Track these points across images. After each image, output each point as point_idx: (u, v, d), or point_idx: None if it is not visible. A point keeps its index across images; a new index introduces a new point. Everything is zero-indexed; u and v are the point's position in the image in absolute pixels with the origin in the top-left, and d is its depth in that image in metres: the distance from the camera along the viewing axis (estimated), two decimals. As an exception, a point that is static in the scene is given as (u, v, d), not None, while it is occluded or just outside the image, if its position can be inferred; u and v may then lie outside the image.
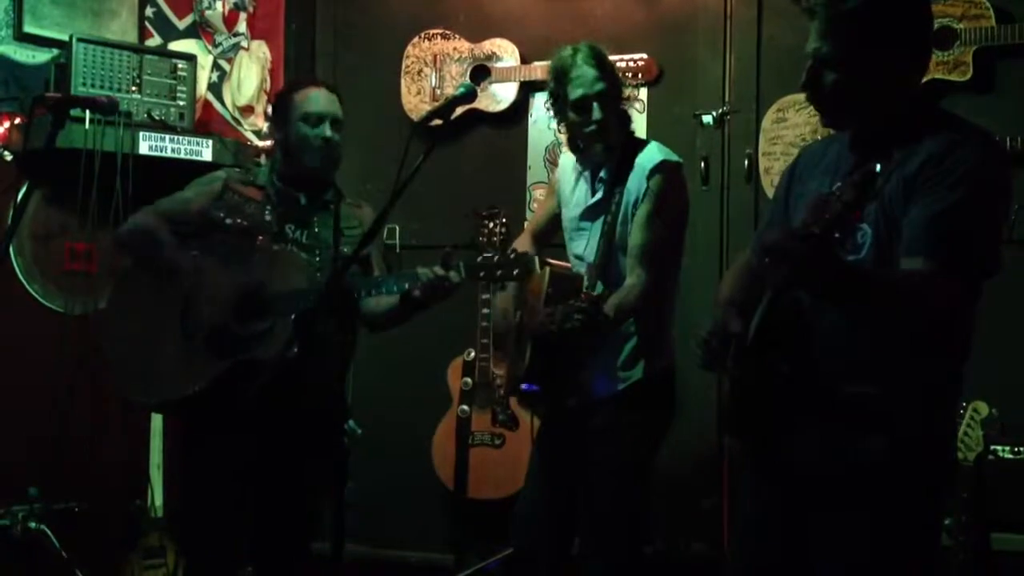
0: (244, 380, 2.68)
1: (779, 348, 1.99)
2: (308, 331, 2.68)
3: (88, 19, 4.03)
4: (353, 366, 3.14)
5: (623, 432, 2.92)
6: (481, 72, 4.33)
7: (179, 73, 3.90)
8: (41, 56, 3.90)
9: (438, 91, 4.38)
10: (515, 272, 2.71)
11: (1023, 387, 3.43)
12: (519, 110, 4.34)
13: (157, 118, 3.78)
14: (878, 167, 1.75)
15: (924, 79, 2.14)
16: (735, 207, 4.04)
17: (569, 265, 3.11)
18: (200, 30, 4.40)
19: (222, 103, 4.43)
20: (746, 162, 4.03)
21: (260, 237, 2.90)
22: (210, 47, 4.42)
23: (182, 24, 4.35)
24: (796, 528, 2.07)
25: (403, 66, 4.44)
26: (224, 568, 2.97)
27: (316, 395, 2.75)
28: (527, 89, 4.31)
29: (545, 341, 2.87)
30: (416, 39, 4.45)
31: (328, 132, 2.92)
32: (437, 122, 2.89)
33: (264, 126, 4.40)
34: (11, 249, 3.68)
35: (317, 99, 2.94)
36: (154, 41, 4.23)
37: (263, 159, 4.09)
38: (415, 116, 4.39)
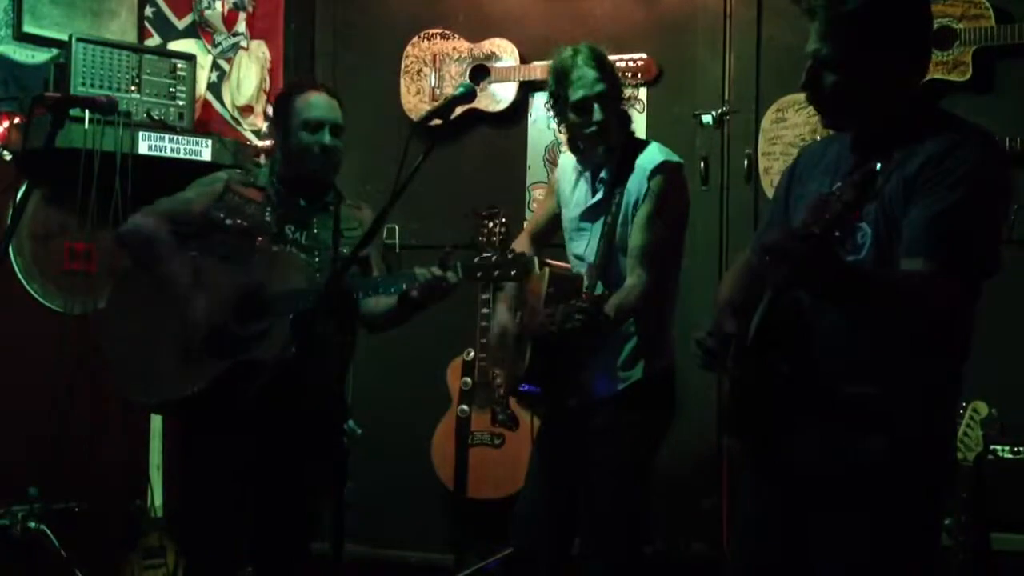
0: (244, 380, 2.68)
1: (779, 348, 1.98)
2: (307, 332, 2.68)
3: (87, 19, 4.02)
4: (353, 366, 3.15)
5: (623, 432, 2.92)
6: (480, 72, 4.33)
7: (178, 73, 3.89)
8: (40, 56, 3.89)
9: (437, 91, 4.38)
10: (512, 272, 2.71)
11: (1023, 387, 3.43)
12: (519, 110, 4.34)
13: (156, 118, 3.78)
14: (878, 167, 1.75)
15: (924, 79, 2.14)
16: (735, 207, 4.04)
17: (569, 265, 3.11)
18: (199, 30, 4.40)
19: (221, 103, 4.43)
20: (746, 162, 4.02)
21: (260, 238, 2.90)
22: (209, 47, 4.41)
23: (181, 24, 4.35)
24: (796, 528, 2.07)
25: (402, 66, 4.44)
26: (224, 568, 2.97)
27: (316, 395, 2.76)
28: (527, 89, 4.31)
29: (545, 341, 2.87)
30: (415, 39, 4.44)
31: (328, 139, 2.92)
32: (436, 122, 2.88)
33: (263, 126, 4.40)
34: (10, 249, 3.67)
35: (317, 105, 2.93)
36: (153, 41, 4.23)
37: (262, 159, 4.09)
38: (415, 116, 4.39)
